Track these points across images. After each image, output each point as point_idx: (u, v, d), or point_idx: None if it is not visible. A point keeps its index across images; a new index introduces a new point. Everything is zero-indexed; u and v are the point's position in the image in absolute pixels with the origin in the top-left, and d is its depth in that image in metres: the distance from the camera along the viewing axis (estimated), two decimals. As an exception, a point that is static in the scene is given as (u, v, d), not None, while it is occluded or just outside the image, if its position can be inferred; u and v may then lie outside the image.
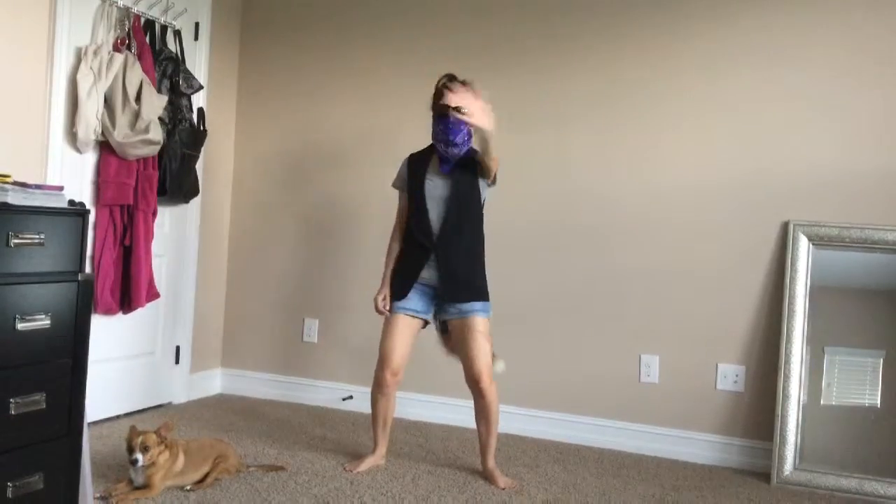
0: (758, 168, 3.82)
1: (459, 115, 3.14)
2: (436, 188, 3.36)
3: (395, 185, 3.54)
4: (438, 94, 3.32)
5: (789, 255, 3.71)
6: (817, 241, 3.70)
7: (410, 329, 3.41)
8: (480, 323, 3.33)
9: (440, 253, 3.33)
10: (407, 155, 3.52)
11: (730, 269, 3.85)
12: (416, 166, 3.45)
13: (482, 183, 3.38)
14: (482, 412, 3.39)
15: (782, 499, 3.39)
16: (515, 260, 4.19)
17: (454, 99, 3.26)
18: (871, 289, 3.71)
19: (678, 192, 3.95)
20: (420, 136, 3.50)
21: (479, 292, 3.38)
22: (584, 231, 4.10)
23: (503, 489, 3.29)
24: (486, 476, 3.40)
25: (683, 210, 3.94)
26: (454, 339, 3.41)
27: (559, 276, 4.14)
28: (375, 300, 3.45)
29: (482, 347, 3.32)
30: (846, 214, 3.68)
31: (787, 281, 3.71)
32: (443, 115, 3.27)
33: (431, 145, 3.43)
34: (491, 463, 3.41)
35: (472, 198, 3.38)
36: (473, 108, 3.13)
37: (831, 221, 3.69)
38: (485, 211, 3.44)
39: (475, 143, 3.28)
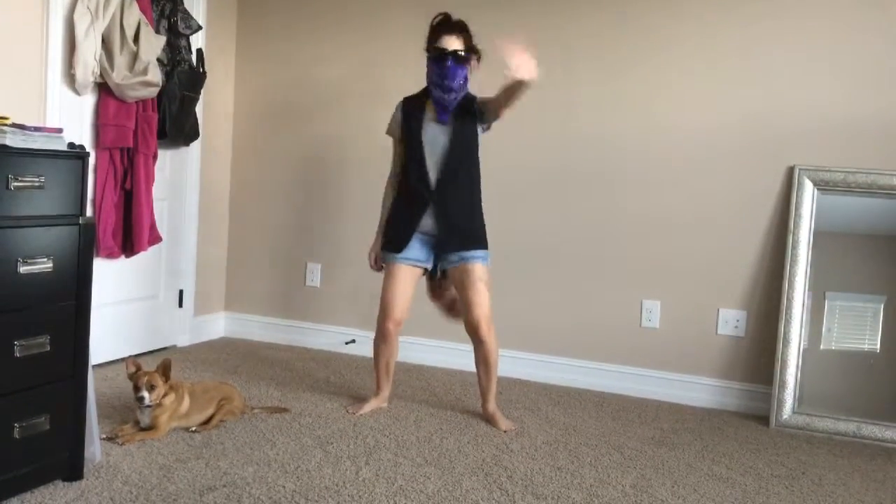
0: (763, 113, 3.77)
1: (514, 76, 2.89)
2: (434, 136, 3.29)
3: (389, 133, 3.46)
4: (434, 35, 3.24)
5: (794, 201, 3.69)
6: (822, 185, 3.68)
7: (412, 278, 3.40)
8: (480, 270, 3.32)
9: (438, 202, 3.30)
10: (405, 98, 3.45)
11: (733, 214, 3.84)
12: (410, 112, 3.36)
13: (479, 128, 3.34)
14: (482, 358, 3.41)
15: (780, 442, 3.43)
16: (518, 204, 4.17)
17: (452, 42, 3.20)
18: (874, 234, 3.70)
19: (683, 136, 3.91)
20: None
21: (479, 240, 3.36)
22: (587, 176, 4.07)
23: (504, 431, 3.32)
24: (487, 419, 3.44)
25: (688, 155, 3.91)
26: (455, 286, 3.40)
27: (562, 220, 4.13)
28: (369, 256, 3.48)
29: (481, 294, 3.31)
30: (852, 160, 3.65)
31: (791, 226, 3.69)
32: (440, 60, 3.21)
33: (425, 88, 3.36)
34: (492, 406, 3.44)
35: (470, 145, 3.33)
36: (521, 62, 2.88)
37: (837, 166, 3.66)
38: (485, 155, 3.41)
39: (505, 90, 3.07)
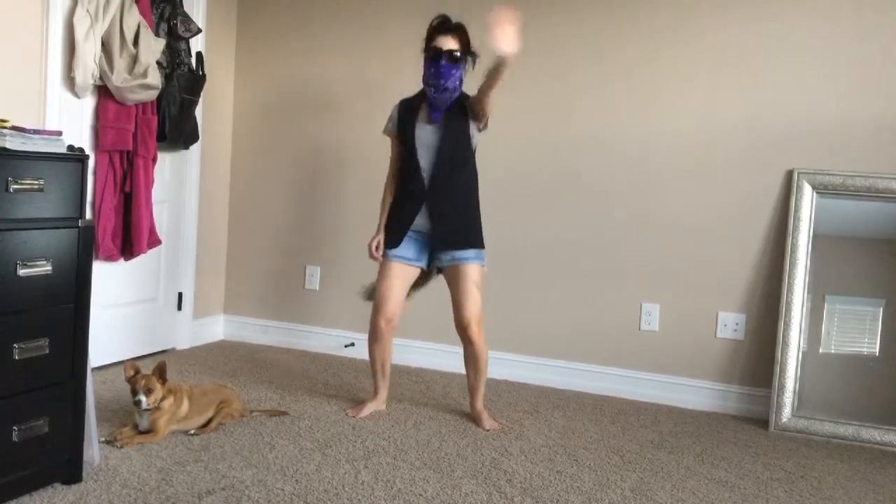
0: (762, 116, 3.78)
1: (495, 49, 2.87)
2: (427, 136, 3.32)
3: (386, 132, 3.49)
4: (431, 35, 3.28)
5: (793, 204, 3.70)
6: (821, 189, 3.68)
7: (405, 276, 3.41)
8: (473, 271, 3.33)
9: (431, 201, 3.32)
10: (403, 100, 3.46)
11: (733, 217, 3.84)
12: (407, 112, 3.39)
13: (473, 129, 3.34)
14: (471, 359, 3.41)
15: (780, 445, 3.43)
16: (517, 208, 4.17)
17: (448, 42, 3.22)
18: (874, 238, 3.70)
19: (682, 140, 3.91)
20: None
21: (473, 239, 3.36)
22: (587, 179, 4.08)
23: (487, 430, 3.34)
24: (473, 417, 3.45)
25: (687, 158, 3.91)
26: (448, 285, 3.40)
27: (561, 223, 4.13)
28: (369, 246, 3.46)
29: (472, 295, 3.32)
30: (851, 163, 3.65)
31: (790, 229, 3.69)
32: (435, 59, 3.23)
33: (423, 90, 3.38)
34: (479, 405, 3.45)
35: (463, 145, 3.34)
36: (502, 35, 2.85)
37: (836, 170, 3.66)
38: (484, 157, 3.41)
39: (489, 71, 3.08)
